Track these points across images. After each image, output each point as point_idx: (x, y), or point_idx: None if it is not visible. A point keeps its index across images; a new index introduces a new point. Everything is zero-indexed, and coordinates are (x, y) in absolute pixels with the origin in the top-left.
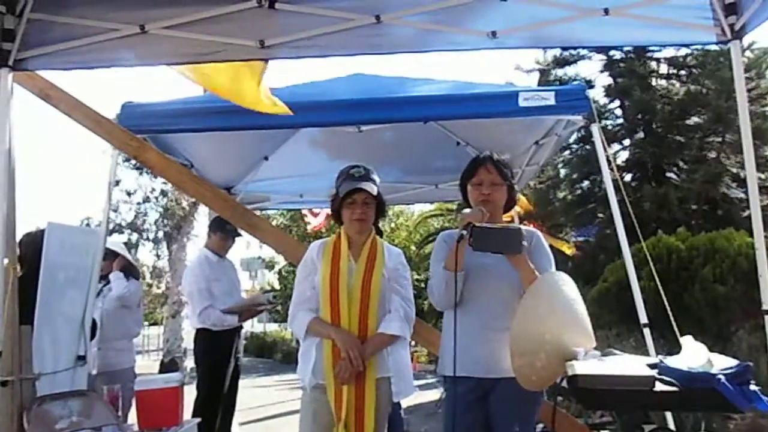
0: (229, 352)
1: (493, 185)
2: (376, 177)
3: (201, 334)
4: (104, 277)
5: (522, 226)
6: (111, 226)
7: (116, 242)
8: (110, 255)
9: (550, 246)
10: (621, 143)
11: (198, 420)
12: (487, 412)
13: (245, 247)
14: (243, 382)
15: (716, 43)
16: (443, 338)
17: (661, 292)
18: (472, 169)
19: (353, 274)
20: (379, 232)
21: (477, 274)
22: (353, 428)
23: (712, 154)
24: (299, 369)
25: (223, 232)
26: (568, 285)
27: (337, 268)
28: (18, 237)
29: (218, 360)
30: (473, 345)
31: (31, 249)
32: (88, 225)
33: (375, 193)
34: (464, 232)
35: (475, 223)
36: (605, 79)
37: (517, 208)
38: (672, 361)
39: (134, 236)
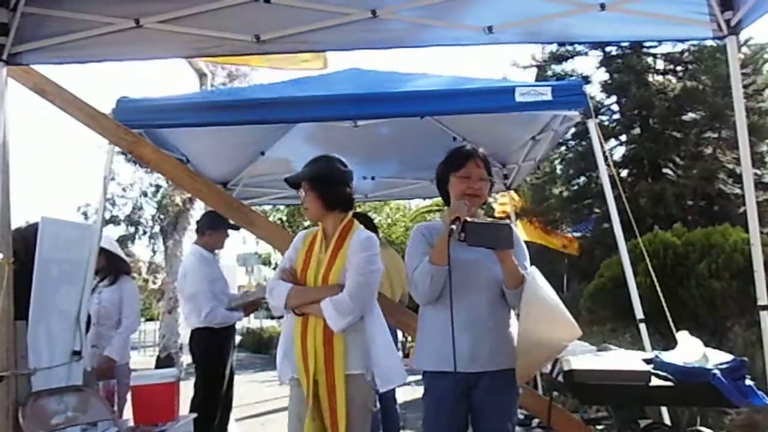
0: (228, 349)
1: (481, 180)
2: (326, 161)
3: (200, 333)
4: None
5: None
6: (107, 218)
7: (106, 236)
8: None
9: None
10: (618, 139)
11: (194, 415)
12: (469, 406)
13: (241, 242)
14: (239, 378)
15: (712, 39)
16: (423, 333)
17: (657, 287)
18: (459, 160)
19: (322, 267)
20: (374, 229)
21: (459, 270)
22: (329, 426)
23: (709, 150)
24: (277, 362)
25: (215, 229)
26: (543, 278)
27: (308, 261)
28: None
29: (219, 358)
30: (456, 340)
31: (21, 244)
32: (85, 214)
33: (301, 178)
34: (453, 227)
35: (466, 218)
36: (602, 75)
37: (514, 203)
38: (667, 356)
39: (130, 230)
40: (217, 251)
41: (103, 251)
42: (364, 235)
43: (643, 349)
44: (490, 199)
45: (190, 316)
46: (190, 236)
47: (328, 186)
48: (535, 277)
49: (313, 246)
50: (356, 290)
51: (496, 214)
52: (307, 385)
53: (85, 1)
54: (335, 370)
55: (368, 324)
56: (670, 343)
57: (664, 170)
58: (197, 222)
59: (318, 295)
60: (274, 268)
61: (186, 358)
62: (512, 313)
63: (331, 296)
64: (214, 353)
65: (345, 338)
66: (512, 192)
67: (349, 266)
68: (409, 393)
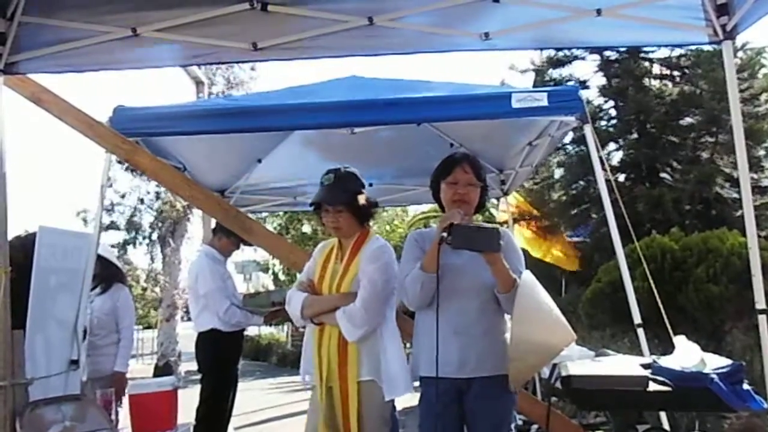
0: (236, 357)
1: (469, 185)
2: (353, 180)
3: (209, 337)
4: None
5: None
6: (106, 224)
7: (102, 243)
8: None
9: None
10: (617, 143)
11: (192, 423)
12: (462, 412)
13: (240, 250)
14: (238, 386)
15: (708, 44)
16: (417, 338)
17: (655, 292)
18: (447, 167)
19: (336, 277)
20: None
21: (449, 275)
22: (341, 431)
23: (706, 155)
24: (301, 369)
25: (235, 236)
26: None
27: (324, 272)
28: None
29: (229, 362)
30: (446, 345)
31: (21, 253)
32: (84, 219)
33: (341, 202)
34: (444, 234)
35: (453, 221)
36: (600, 80)
37: (511, 209)
38: (665, 361)
39: (127, 236)
40: (227, 255)
41: (97, 258)
42: (378, 243)
43: (641, 354)
44: (488, 205)
45: (203, 314)
46: (188, 244)
47: (362, 206)
48: (528, 281)
49: (330, 256)
50: (369, 301)
51: (498, 220)
52: (320, 391)
53: (82, 10)
54: (349, 378)
55: (383, 332)
56: (669, 348)
57: (662, 175)
58: (216, 223)
59: (331, 303)
60: (273, 276)
61: (184, 366)
62: (506, 318)
63: (344, 305)
64: (220, 360)
65: (359, 346)
66: (515, 194)
67: (362, 276)
68: (408, 400)
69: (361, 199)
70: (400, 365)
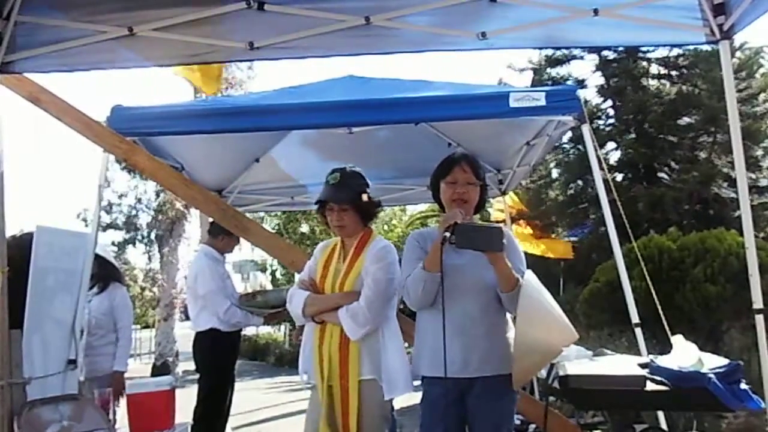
0: (234, 356)
1: (468, 185)
2: (358, 179)
3: (206, 337)
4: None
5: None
6: (105, 224)
7: (100, 243)
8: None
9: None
10: (615, 142)
11: (190, 423)
12: (464, 412)
13: (237, 249)
14: (236, 385)
15: (705, 43)
16: (418, 338)
17: (653, 291)
18: (446, 167)
19: (339, 276)
20: None
21: (451, 275)
22: (340, 429)
23: (704, 155)
24: (299, 367)
25: (230, 234)
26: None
27: (326, 271)
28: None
29: (224, 364)
30: (449, 345)
31: (18, 252)
32: (85, 220)
33: (347, 201)
34: (447, 234)
35: (456, 220)
36: (598, 79)
37: (510, 207)
38: (663, 361)
39: (126, 236)
40: (225, 255)
41: (95, 257)
42: (381, 244)
43: (639, 353)
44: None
45: (202, 314)
46: (186, 243)
47: (367, 205)
48: (531, 281)
49: (332, 256)
50: (373, 300)
51: (492, 219)
52: (322, 390)
53: (79, 9)
54: (350, 376)
55: (384, 331)
56: (666, 348)
57: (660, 174)
58: (210, 224)
59: (333, 301)
60: (271, 275)
61: (182, 366)
62: (508, 317)
63: (348, 303)
64: (219, 359)
65: (360, 345)
66: (511, 194)
67: (365, 275)
68: (406, 399)
69: (366, 199)
70: (400, 364)
